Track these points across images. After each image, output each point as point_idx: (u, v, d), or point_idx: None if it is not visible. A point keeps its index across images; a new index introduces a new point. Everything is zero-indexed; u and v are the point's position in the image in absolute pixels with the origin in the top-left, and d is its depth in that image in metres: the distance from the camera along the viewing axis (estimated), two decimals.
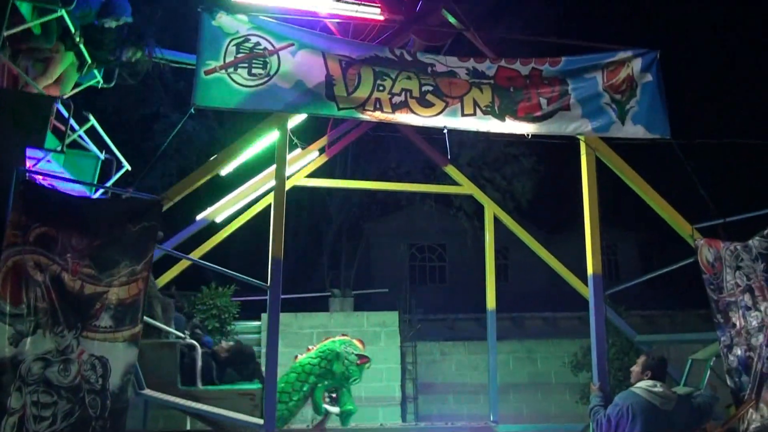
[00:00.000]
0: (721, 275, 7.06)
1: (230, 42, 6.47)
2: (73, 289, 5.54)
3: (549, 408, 14.86)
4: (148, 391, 6.03)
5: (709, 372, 7.88)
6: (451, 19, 7.89)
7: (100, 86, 7.70)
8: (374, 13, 7.94)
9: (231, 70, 6.41)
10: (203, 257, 9.07)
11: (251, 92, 6.43)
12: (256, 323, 12.71)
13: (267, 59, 6.51)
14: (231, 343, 8.93)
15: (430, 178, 10.86)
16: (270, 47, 6.55)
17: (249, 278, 6.88)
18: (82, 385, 5.39)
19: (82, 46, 6.96)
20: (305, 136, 9.66)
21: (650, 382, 5.86)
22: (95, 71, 7.50)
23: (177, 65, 8.60)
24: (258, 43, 6.53)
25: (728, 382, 6.84)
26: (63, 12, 6.31)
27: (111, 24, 7.20)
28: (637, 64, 7.30)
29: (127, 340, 5.64)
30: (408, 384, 13.31)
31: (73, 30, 6.73)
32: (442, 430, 9.26)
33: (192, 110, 6.38)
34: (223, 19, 6.52)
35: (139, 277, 5.80)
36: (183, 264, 9.06)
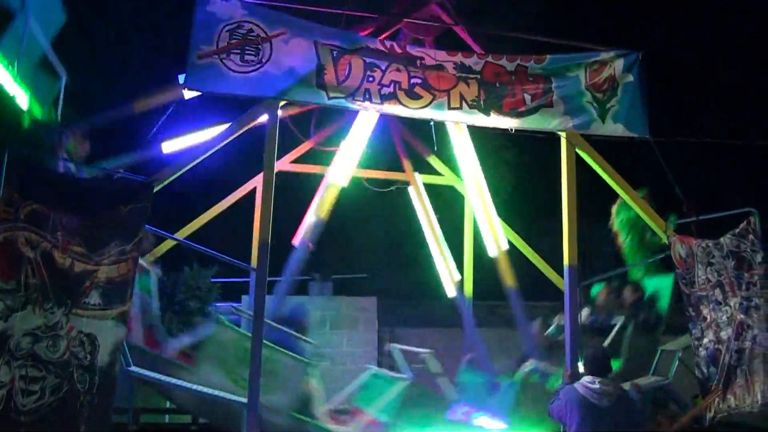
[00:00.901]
0: (693, 270, 7.34)
1: (223, 27, 6.58)
2: (63, 266, 5.63)
3: None
4: (135, 368, 6.14)
5: (677, 362, 8.20)
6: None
7: None
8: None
9: (223, 55, 6.53)
10: (188, 237, 9.16)
11: (243, 78, 6.55)
12: (237, 304, 12.81)
13: (259, 46, 6.62)
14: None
15: (414, 167, 10.98)
16: (263, 34, 6.66)
17: (236, 260, 7.01)
18: (71, 360, 5.49)
19: None
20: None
21: (589, 378, 5.99)
22: None
23: None
24: (251, 30, 6.64)
25: (696, 372, 7.15)
26: None
27: None
28: (619, 65, 7.52)
29: (115, 318, 5.73)
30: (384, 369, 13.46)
31: None
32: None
33: (183, 94, 6.47)
34: (217, 5, 6.62)
35: (129, 257, 5.89)
36: (167, 243, 9.14)
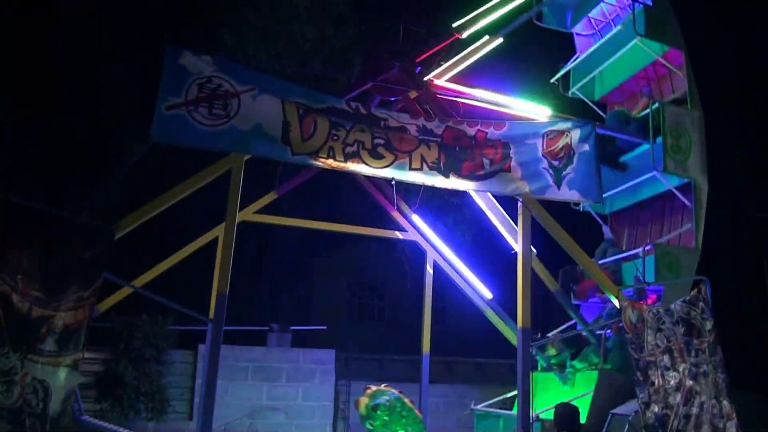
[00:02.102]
0: (643, 336, 7.47)
1: (193, 81, 6.70)
2: (21, 310, 5.61)
3: None
4: (87, 418, 6.11)
5: (627, 426, 8.32)
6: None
7: None
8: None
9: (192, 108, 6.64)
10: (147, 283, 9.13)
11: (210, 131, 6.65)
12: (190, 352, 12.71)
13: (228, 101, 6.77)
14: None
15: (377, 221, 11.13)
16: (231, 90, 6.81)
17: (192, 312, 7.04)
18: (23, 407, 5.44)
19: None
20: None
21: None
22: None
23: None
24: (220, 85, 6.79)
25: None
26: None
27: None
28: (575, 134, 7.79)
29: (69, 366, 5.72)
30: (340, 423, 13.40)
31: None
32: None
33: (149, 144, 6.57)
34: (188, 59, 6.75)
35: (86, 303, 5.91)
36: (125, 291, 9.11)
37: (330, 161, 6.99)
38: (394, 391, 8.26)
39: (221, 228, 9.51)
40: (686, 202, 9.56)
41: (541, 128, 7.75)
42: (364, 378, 15.15)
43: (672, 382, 7.25)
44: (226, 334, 6.81)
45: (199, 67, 6.76)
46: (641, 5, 9.97)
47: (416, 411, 8.14)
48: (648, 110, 9.68)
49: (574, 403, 7.85)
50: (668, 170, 9.30)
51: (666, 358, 7.34)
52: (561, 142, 7.72)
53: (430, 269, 10.52)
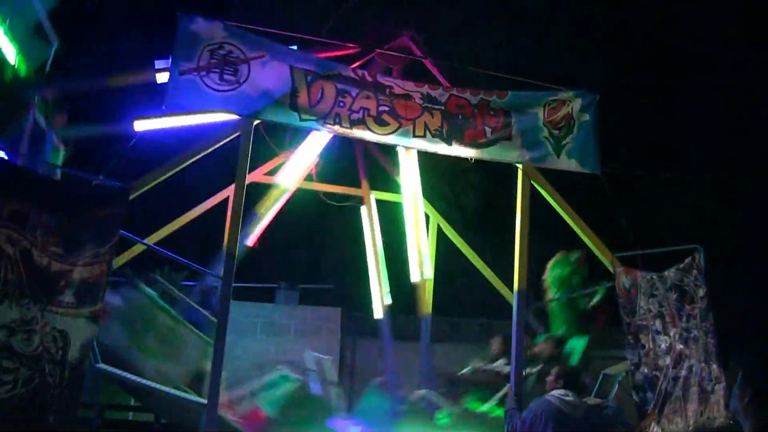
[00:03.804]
0: (636, 301, 7.69)
1: (205, 47, 6.94)
2: (41, 264, 5.92)
3: None
4: (103, 365, 6.45)
5: (617, 386, 8.65)
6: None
7: None
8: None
9: (203, 73, 6.89)
10: (160, 242, 9.46)
11: (221, 96, 6.92)
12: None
13: (238, 67, 7.01)
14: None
15: (383, 184, 11.37)
16: (242, 56, 7.04)
17: (204, 269, 7.36)
18: (43, 354, 5.76)
19: None
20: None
21: (562, 391, 6.38)
22: None
23: None
24: (231, 51, 7.02)
25: (634, 396, 7.51)
26: None
27: None
28: (577, 104, 7.95)
29: (87, 317, 6.02)
30: (345, 377, 13.74)
31: None
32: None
33: (164, 107, 6.82)
34: (199, 25, 6.98)
35: (103, 259, 6.20)
36: (139, 247, 9.44)
37: (336, 127, 7.23)
38: None
39: (231, 189, 9.86)
40: None
41: (543, 97, 7.92)
42: (370, 336, 15.54)
43: (662, 346, 7.44)
44: (235, 290, 7.09)
45: (210, 33, 6.99)
46: None
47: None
48: None
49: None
50: None
51: (657, 322, 7.53)
52: (562, 112, 7.90)
53: (432, 233, 10.79)
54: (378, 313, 10.67)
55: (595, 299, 8.94)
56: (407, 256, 10.50)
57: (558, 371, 6.77)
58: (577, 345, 9.09)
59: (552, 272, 9.44)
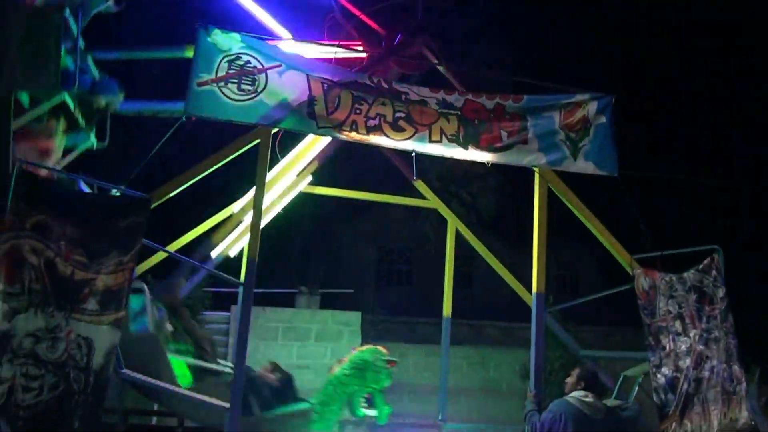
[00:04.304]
0: (655, 302, 7.68)
1: (223, 58, 7.04)
2: (65, 273, 6.03)
3: (498, 413, 15.45)
4: (127, 371, 6.58)
5: (637, 388, 8.65)
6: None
7: (95, 148, 8.14)
8: (356, 51, 8.61)
9: (222, 84, 6.99)
10: (181, 248, 9.60)
11: (239, 106, 7.00)
12: (226, 314, 13.28)
13: (256, 77, 7.10)
14: (276, 373, 9.15)
15: (400, 188, 11.47)
16: (259, 66, 7.13)
17: (224, 275, 7.47)
18: (68, 361, 5.88)
19: (79, 117, 7.42)
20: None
21: (582, 392, 6.45)
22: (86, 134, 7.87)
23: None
24: (248, 62, 7.12)
25: (655, 398, 7.45)
26: (65, 95, 6.82)
27: (100, 103, 7.64)
28: (593, 107, 7.92)
29: (110, 324, 6.14)
30: None
31: (72, 107, 7.16)
32: (391, 426, 9.88)
33: (183, 118, 6.94)
34: (217, 37, 7.08)
35: (126, 267, 6.31)
36: (160, 254, 9.58)
37: (353, 134, 7.30)
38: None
39: (251, 195, 9.98)
40: None
41: (559, 101, 7.91)
42: (392, 339, 15.67)
43: (683, 347, 7.44)
44: (257, 296, 7.20)
45: (227, 44, 7.09)
46: None
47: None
48: None
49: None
50: None
51: (677, 323, 7.53)
52: (578, 115, 7.89)
53: (451, 237, 10.84)
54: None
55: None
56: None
57: (579, 372, 6.82)
58: None
59: None
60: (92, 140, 8.03)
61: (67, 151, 7.74)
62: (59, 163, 7.56)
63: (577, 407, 6.35)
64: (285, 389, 8.78)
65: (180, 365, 8.40)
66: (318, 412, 8.56)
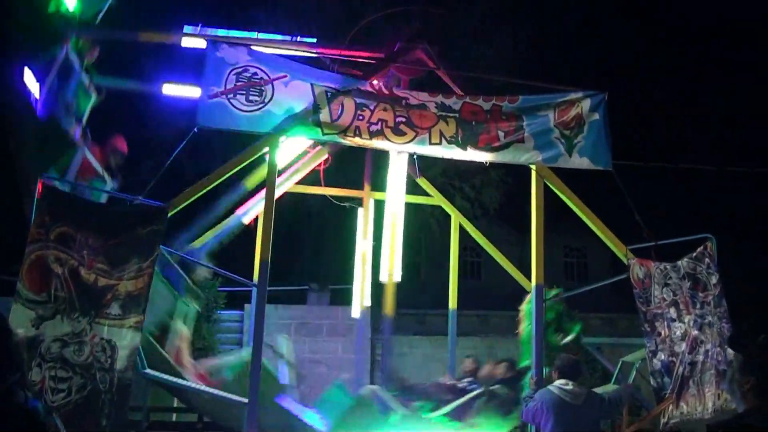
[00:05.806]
0: (650, 290, 7.95)
1: (231, 71, 7.42)
2: (88, 281, 6.44)
3: None
4: (149, 371, 6.94)
5: (635, 372, 8.97)
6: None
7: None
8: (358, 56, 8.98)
9: (230, 95, 7.36)
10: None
11: (247, 116, 7.38)
12: (239, 312, 13.64)
13: (263, 88, 7.46)
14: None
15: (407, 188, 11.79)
16: (266, 77, 7.49)
17: (238, 276, 7.84)
18: (93, 363, 6.26)
19: None
20: None
21: (562, 381, 6.91)
22: None
23: None
24: (255, 74, 7.48)
25: (651, 382, 7.80)
26: None
27: None
28: (586, 104, 8.21)
29: (132, 327, 6.51)
30: (376, 373, 14.18)
31: None
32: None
33: (196, 129, 7.27)
34: (225, 51, 7.48)
35: (145, 272, 6.69)
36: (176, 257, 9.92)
37: (357, 139, 7.65)
38: None
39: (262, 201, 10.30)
40: None
41: (553, 100, 8.21)
42: (402, 332, 15.95)
43: (678, 333, 7.69)
44: (268, 294, 7.52)
45: (235, 57, 7.46)
46: None
47: None
48: None
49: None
50: None
51: (672, 310, 7.78)
52: (572, 112, 8.18)
53: (455, 231, 11.16)
54: (355, 312, 11.28)
55: (569, 338, 9.35)
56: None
57: (555, 363, 7.24)
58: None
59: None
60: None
61: None
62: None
63: (557, 395, 6.81)
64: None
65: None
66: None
